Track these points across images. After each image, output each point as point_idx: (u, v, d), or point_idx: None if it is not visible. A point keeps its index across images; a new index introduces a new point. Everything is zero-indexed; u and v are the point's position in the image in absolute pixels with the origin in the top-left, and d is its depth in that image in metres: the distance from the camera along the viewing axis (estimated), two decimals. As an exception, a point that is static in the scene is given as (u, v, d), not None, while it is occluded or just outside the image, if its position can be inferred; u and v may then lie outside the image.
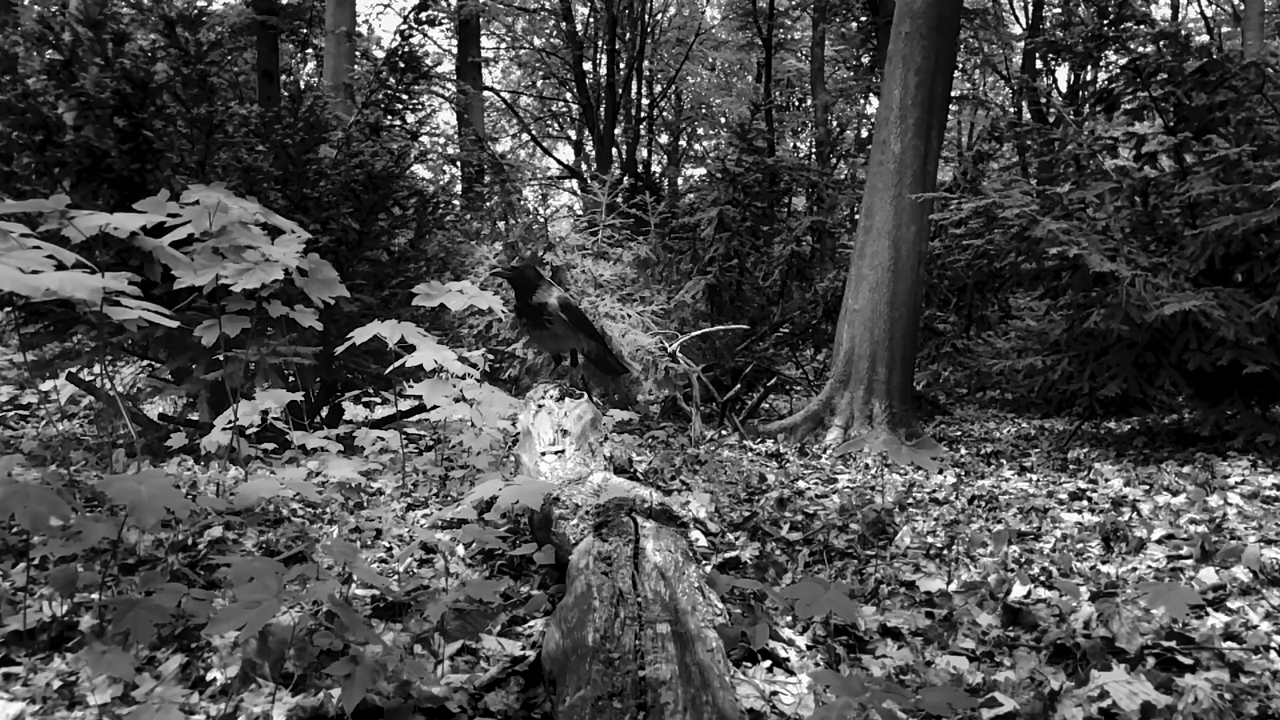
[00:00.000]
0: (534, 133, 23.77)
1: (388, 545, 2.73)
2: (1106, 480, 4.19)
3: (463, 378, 2.87)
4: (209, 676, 1.71)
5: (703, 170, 22.00)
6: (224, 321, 2.42)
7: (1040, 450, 5.54)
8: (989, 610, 2.23)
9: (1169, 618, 2.01)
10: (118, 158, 4.09)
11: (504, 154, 21.69)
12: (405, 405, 4.71)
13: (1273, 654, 1.91)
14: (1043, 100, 17.12)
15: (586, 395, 3.07)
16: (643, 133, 22.29)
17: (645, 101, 22.49)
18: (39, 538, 1.90)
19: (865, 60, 18.15)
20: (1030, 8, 18.76)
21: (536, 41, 22.63)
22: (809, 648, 2.01)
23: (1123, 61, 5.67)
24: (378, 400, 5.23)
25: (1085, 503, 3.65)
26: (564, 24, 19.72)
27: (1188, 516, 3.23)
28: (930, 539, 3.00)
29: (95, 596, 1.98)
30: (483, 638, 1.93)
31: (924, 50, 6.25)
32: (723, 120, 23.67)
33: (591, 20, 20.40)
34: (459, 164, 15.60)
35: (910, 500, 3.75)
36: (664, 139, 25.21)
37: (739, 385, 7.26)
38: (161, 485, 1.58)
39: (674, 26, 22.47)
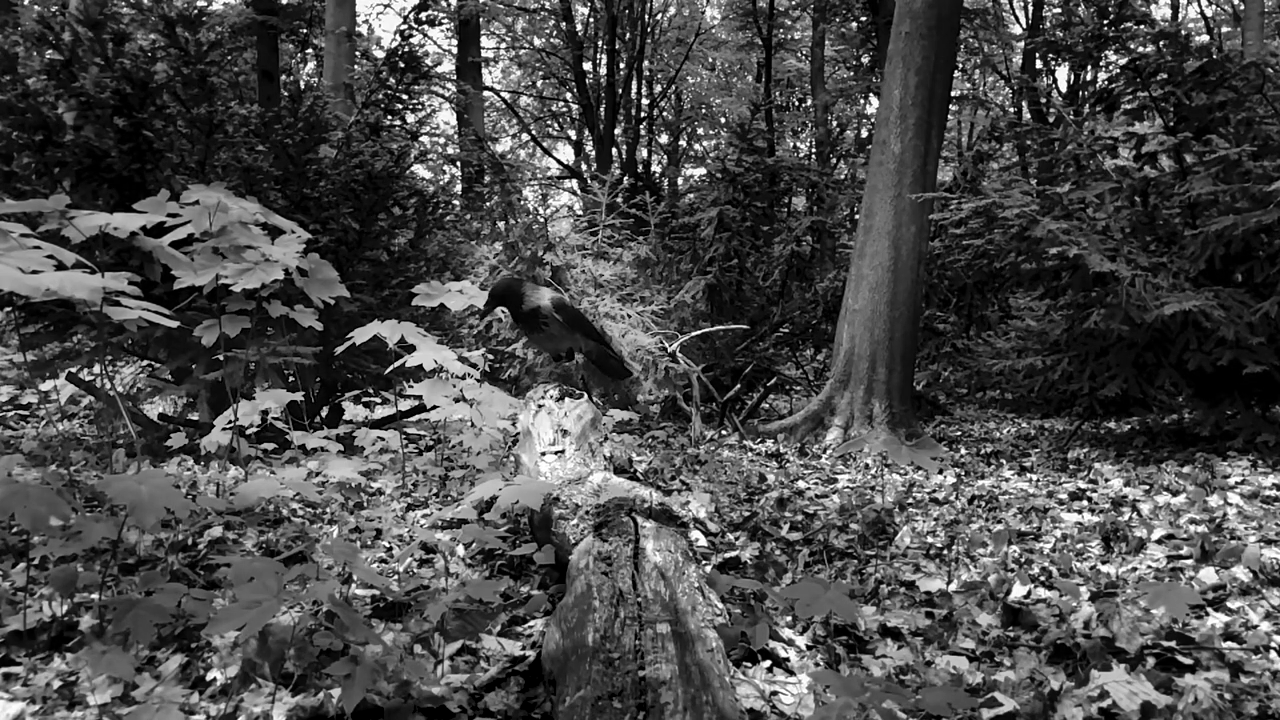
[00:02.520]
0: (534, 133, 23.76)
1: (388, 545, 2.73)
2: (1106, 480, 4.19)
3: (463, 378, 2.88)
4: (209, 676, 1.71)
5: (703, 170, 22.00)
6: (224, 321, 2.42)
7: (1040, 450, 5.54)
8: (989, 610, 2.23)
9: (1169, 618, 2.01)
10: (118, 158, 4.09)
11: (504, 154, 21.69)
12: (405, 405, 4.71)
13: (1273, 654, 1.91)
14: (1043, 100, 17.12)
15: (586, 395, 3.07)
16: (643, 133, 22.29)
17: (645, 101, 22.49)
18: (39, 538, 1.90)
19: (865, 60, 18.15)
20: (1030, 8, 18.76)
21: (536, 41, 22.63)
22: (809, 648, 2.01)
23: (1123, 61, 5.67)
24: (378, 400, 5.22)
25: (1085, 503, 3.65)
26: (564, 24, 19.72)
27: (1188, 516, 3.23)
28: (930, 539, 2.99)
29: (95, 596, 1.98)
30: (483, 638, 1.93)
31: (924, 50, 6.25)
32: (723, 120, 23.67)
33: (591, 20, 20.40)
34: (459, 164, 15.60)
35: (910, 500, 3.75)
36: (664, 139, 25.22)
37: (739, 385, 7.26)
38: (161, 485, 1.58)
39: (674, 26, 22.47)
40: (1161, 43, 5.32)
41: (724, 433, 6.34)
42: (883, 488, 3.95)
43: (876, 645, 2.04)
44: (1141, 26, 6.16)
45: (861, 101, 21.15)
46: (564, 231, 7.06)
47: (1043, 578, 2.48)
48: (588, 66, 19.97)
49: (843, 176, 17.04)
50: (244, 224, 2.07)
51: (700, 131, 25.85)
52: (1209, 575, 2.43)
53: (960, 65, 19.10)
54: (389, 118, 5.30)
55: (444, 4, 16.69)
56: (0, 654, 1.77)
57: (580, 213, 10.08)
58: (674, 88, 23.54)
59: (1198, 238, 4.87)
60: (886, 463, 4.75)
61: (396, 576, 2.39)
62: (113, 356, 4.92)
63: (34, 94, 4.01)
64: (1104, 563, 2.69)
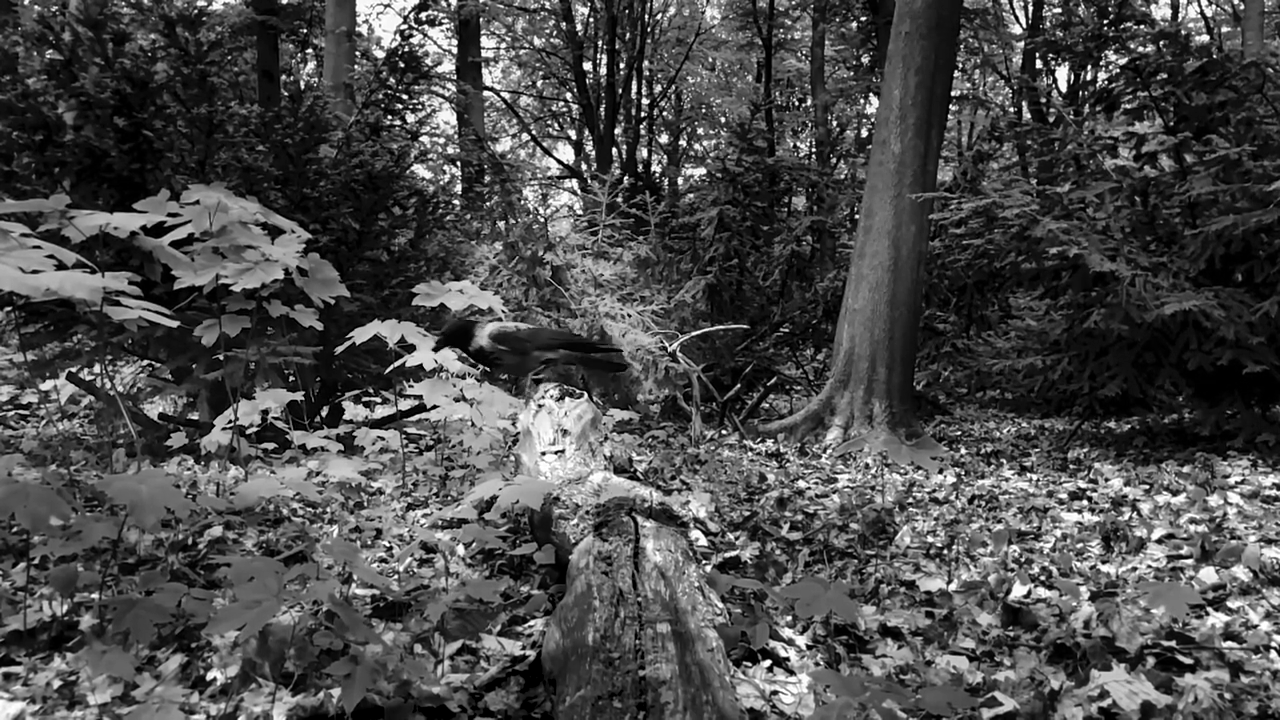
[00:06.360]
0: (534, 133, 23.76)
1: (388, 545, 2.73)
2: (1106, 480, 4.19)
3: (463, 377, 2.88)
4: (209, 676, 1.71)
5: (703, 170, 21.97)
6: (224, 321, 2.42)
7: (1040, 450, 5.54)
8: (989, 610, 2.23)
9: (1169, 617, 2.01)
10: (118, 158, 4.09)
11: (504, 154, 21.66)
12: (405, 405, 4.71)
13: (1273, 654, 1.91)
14: (1043, 100, 17.12)
15: (586, 395, 3.07)
16: (643, 133, 22.29)
17: (645, 101, 22.49)
18: (39, 538, 1.90)
19: (865, 60, 18.14)
20: (1030, 8, 18.77)
21: (536, 41, 22.63)
22: (809, 647, 2.01)
23: (1123, 61, 5.67)
24: (378, 400, 5.22)
25: (1085, 502, 3.65)
26: (564, 24, 19.72)
27: (1188, 516, 3.23)
28: (930, 539, 3.00)
29: (95, 596, 1.98)
30: (483, 637, 1.93)
31: (924, 50, 6.25)
32: (723, 120, 23.67)
33: (591, 20, 20.40)
34: (459, 164, 15.59)
35: (910, 500, 3.75)
36: (664, 139, 25.22)
37: (739, 385, 7.26)
38: (161, 485, 1.58)
39: (674, 26, 22.47)
40: (1161, 43, 5.32)
41: (724, 432, 6.34)
42: (883, 487, 3.95)
43: (876, 645, 2.04)
44: (1141, 26, 6.16)
45: (861, 101, 21.14)
46: (564, 231, 7.06)
47: (1043, 577, 2.48)
48: (588, 66, 19.97)
49: (843, 176, 17.03)
50: (244, 224, 2.07)
51: (700, 131, 25.86)
52: (1209, 575, 2.43)
53: (960, 65, 19.10)
54: (389, 118, 5.30)
55: (444, 4, 16.69)
56: (0, 654, 1.77)
57: (580, 213, 10.09)
58: (674, 88, 23.54)
59: (1198, 237, 4.87)
60: (886, 462, 4.75)
61: (396, 576, 2.39)
62: (113, 356, 4.92)
63: (34, 94, 4.01)
64: (1104, 562, 2.69)
